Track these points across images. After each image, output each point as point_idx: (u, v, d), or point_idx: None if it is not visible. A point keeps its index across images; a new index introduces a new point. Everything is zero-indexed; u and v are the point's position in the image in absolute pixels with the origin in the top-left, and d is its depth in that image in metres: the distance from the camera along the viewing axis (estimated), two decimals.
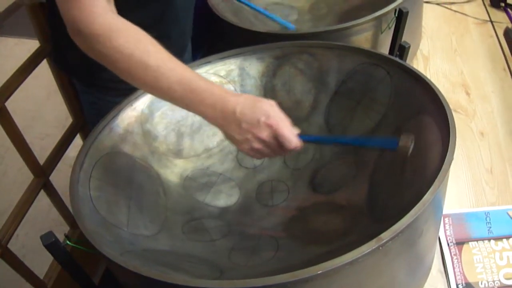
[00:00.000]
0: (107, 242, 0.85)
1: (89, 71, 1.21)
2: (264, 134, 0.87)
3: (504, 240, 1.11)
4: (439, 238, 1.13)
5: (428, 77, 1.59)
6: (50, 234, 0.80)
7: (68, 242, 0.85)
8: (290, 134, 0.89)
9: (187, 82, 0.87)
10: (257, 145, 0.88)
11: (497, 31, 1.88)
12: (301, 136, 0.91)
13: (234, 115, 0.86)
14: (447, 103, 0.93)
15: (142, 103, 1.16)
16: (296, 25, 1.68)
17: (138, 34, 0.88)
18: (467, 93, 1.59)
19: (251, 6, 1.62)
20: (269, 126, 0.87)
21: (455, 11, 2.01)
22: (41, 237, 0.79)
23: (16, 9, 1.38)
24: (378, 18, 1.33)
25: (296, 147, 0.90)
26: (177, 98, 0.89)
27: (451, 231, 1.14)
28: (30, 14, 1.37)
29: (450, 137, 0.84)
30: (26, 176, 1.49)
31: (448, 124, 0.88)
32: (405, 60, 1.26)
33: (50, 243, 0.79)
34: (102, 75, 1.14)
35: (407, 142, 0.86)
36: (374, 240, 0.67)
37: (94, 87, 1.30)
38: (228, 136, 0.90)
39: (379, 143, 1.07)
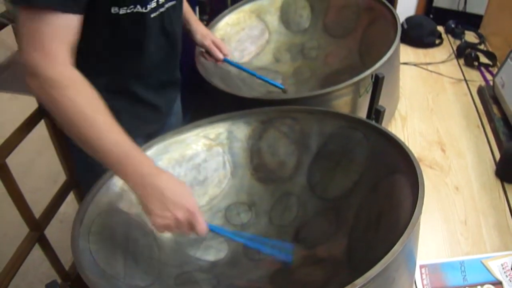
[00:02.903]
0: None
1: None
2: (181, 215, 0.94)
3: (479, 287, 1.16)
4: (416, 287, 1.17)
5: (406, 136, 1.69)
6: (54, 282, 0.86)
7: None
8: (202, 222, 0.97)
9: (124, 147, 0.95)
10: (171, 222, 0.95)
11: (471, 89, 1.96)
12: (209, 225, 1.01)
13: (162, 193, 0.94)
14: (417, 162, 1.00)
15: None
16: None
17: (91, 90, 0.96)
18: (443, 150, 1.64)
19: (238, 67, 1.69)
20: (189, 212, 0.95)
21: (431, 71, 2.10)
22: (46, 286, 0.86)
23: (9, 65, 1.41)
24: (356, 83, 1.38)
25: (204, 233, 0.98)
26: (111, 159, 0.95)
27: (428, 280, 1.19)
28: None
29: (419, 194, 0.91)
30: (17, 230, 1.50)
31: (418, 182, 0.95)
32: (381, 123, 1.32)
33: None
34: None
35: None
36: (348, 286, 0.74)
37: None
38: (146, 206, 0.95)
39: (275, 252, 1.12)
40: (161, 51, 1.29)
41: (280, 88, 1.63)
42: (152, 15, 1.18)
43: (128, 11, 1.12)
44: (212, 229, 1.03)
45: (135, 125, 1.33)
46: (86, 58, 1.07)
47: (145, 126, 1.40)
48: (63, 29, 0.96)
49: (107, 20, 1.12)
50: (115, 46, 1.19)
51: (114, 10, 1.10)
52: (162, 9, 1.21)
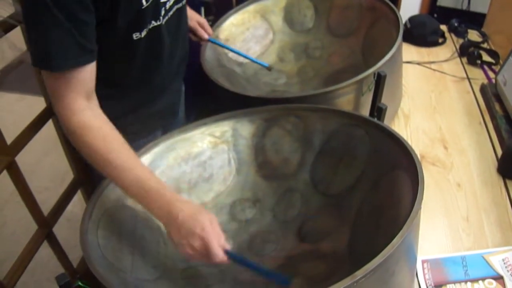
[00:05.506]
0: (115, 284, 0.93)
1: None
2: (196, 244, 0.95)
3: (480, 281, 1.17)
4: (418, 282, 1.19)
5: (408, 133, 1.69)
6: (64, 275, 0.89)
7: (80, 283, 0.94)
8: (217, 251, 0.95)
9: (142, 182, 0.99)
10: (189, 250, 0.96)
11: (473, 87, 1.97)
12: (228, 252, 0.98)
13: (176, 220, 0.96)
14: (417, 158, 1.02)
15: (143, 160, 1.24)
16: (285, 87, 1.77)
17: (106, 133, 1.03)
18: (445, 147, 1.65)
19: (223, 46, 1.75)
20: (202, 239, 0.94)
21: (434, 69, 2.10)
22: (57, 278, 0.88)
23: (17, 65, 1.41)
24: (359, 81, 1.39)
25: (221, 262, 0.97)
26: (132, 195, 1.02)
27: (430, 275, 1.20)
28: (36, 73, 1.39)
29: (418, 189, 0.93)
30: (25, 227, 1.52)
31: (418, 178, 0.97)
32: (383, 120, 1.33)
33: (64, 283, 0.88)
34: None
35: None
36: (349, 277, 0.76)
37: None
38: (168, 234, 0.99)
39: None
40: (174, 57, 1.33)
41: (265, 67, 1.71)
42: (164, 22, 1.21)
43: (147, 31, 1.16)
44: (230, 257, 0.99)
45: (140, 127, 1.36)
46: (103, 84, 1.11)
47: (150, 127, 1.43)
48: (81, 81, 1.02)
49: (128, 46, 1.16)
50: (135, 64, 1.23)
51: (136, 36, 1.15)
52: (170, 13, 1.24)
